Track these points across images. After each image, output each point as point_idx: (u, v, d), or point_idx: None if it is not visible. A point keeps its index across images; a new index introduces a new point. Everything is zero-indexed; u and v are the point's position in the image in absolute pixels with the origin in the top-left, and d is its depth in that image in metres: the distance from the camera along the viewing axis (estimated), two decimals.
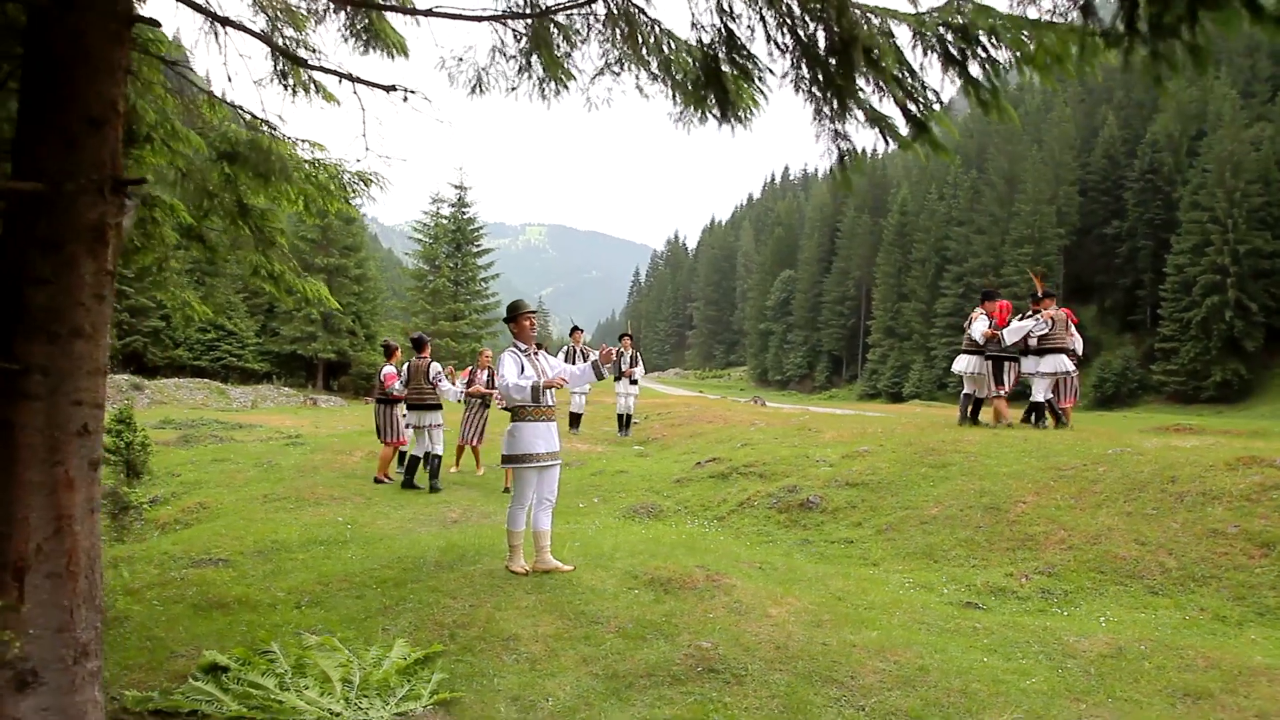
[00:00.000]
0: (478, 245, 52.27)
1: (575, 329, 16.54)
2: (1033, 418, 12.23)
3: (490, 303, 51.65)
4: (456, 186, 51.42)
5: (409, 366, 11.56)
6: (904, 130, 3.97)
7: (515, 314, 6.88)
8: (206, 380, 42.71)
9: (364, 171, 7.80)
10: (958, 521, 8.05)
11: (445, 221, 51.07)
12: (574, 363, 15.86)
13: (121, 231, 2.93)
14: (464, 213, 51.57)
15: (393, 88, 5.12)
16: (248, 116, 7.39)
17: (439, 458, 11.48)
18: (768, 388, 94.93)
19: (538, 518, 6.71)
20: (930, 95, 3.83)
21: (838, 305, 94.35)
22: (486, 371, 12.27)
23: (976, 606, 6.37)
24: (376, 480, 11.66)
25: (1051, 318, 12.01)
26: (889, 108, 3.95)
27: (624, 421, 16.29)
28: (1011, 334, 11.93)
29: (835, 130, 3.99)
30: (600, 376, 7.17)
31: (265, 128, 7.46)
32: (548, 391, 6.68)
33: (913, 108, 3.82)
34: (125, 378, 37.64)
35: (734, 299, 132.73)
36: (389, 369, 11.99)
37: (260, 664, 4.92)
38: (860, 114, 3.97)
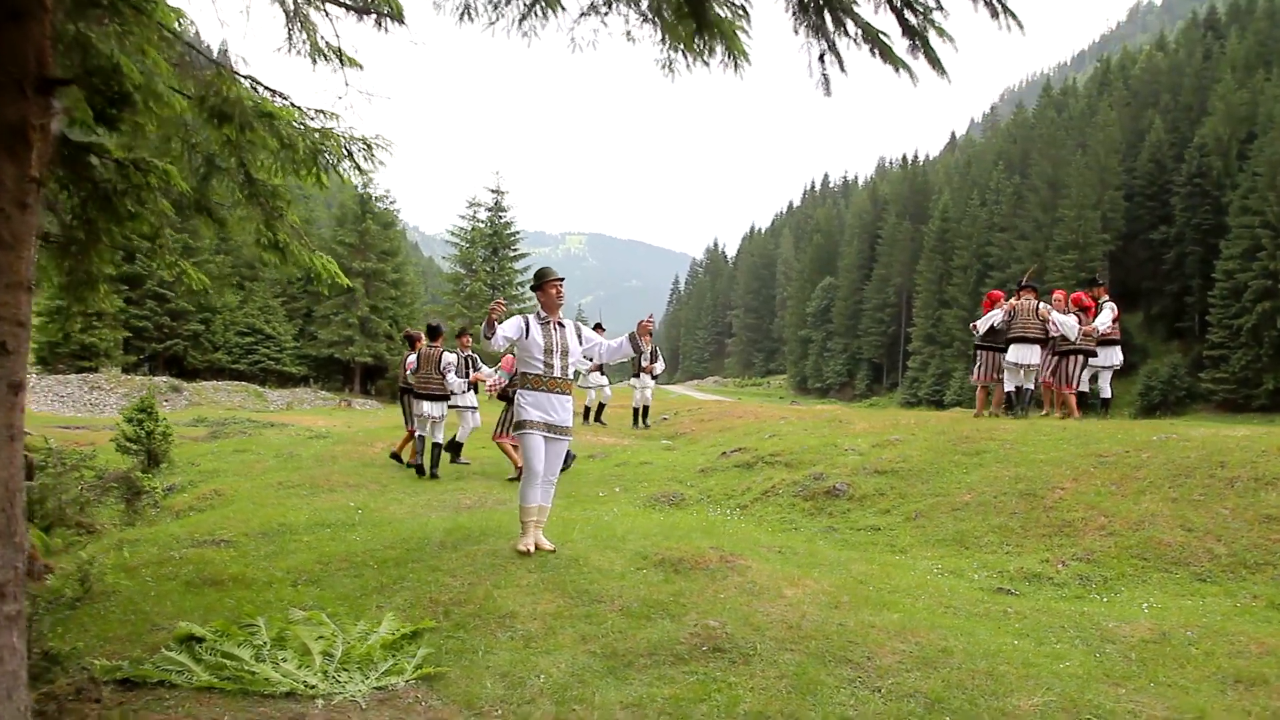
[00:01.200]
0: (514, 249, 52.26)
1: (598, 325, 16.26)
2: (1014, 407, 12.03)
3: (526, 306, 51.57)
4: (493, 191, 51.49)
5: (420, 354, 11.32)
6: (900, 48, 3.59)
7: (541, 281, 6.57)
8: (244, 383, 43.02)
9: (368, 138, 7.59)
10: (991, 508, 7.64)
11: (482, 225, 51.13)
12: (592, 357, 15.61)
13: (49, 136, 2.69)
14: (500, 217, 51.59)
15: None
16: (253, 86, 7.23)
17: (438, 446, 11.20)
18: (807, 395, 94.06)
19: (540, 495, 6.42)
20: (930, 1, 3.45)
21: (878, 312, 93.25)
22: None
23: (1009, 592, 5.97)
24: (392, 455, 11.49)
25: (1014, 308, 11.84)
26: (885, 21, 3.58)
27: (640, 415, 15.96)
28: (981, 324, 12.29)
29: (825, 48, 3.63)
30: (638, 350, 6.84)
31: (277, 97, 7.29)
32: (564, 364, 6.39)
33: (910, 17, 3.45)
34: (164, 379, 38.08)
35: (773, 307, 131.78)
36: (412, 358, 11.80)
37: (238, 635, 4.67)
38: (852, 26, 3.60)
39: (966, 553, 7.02)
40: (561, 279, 6.58)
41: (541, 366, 6.33)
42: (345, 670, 4.40)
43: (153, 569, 6.54)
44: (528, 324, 6.39)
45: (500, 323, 6.24)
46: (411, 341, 12.03)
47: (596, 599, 5.38)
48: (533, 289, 6.65)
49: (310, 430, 17.67)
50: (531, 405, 6.32)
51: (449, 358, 11.16)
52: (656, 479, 10.49)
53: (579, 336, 6.59)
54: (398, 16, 6.26)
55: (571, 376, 6.47)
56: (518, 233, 52.79)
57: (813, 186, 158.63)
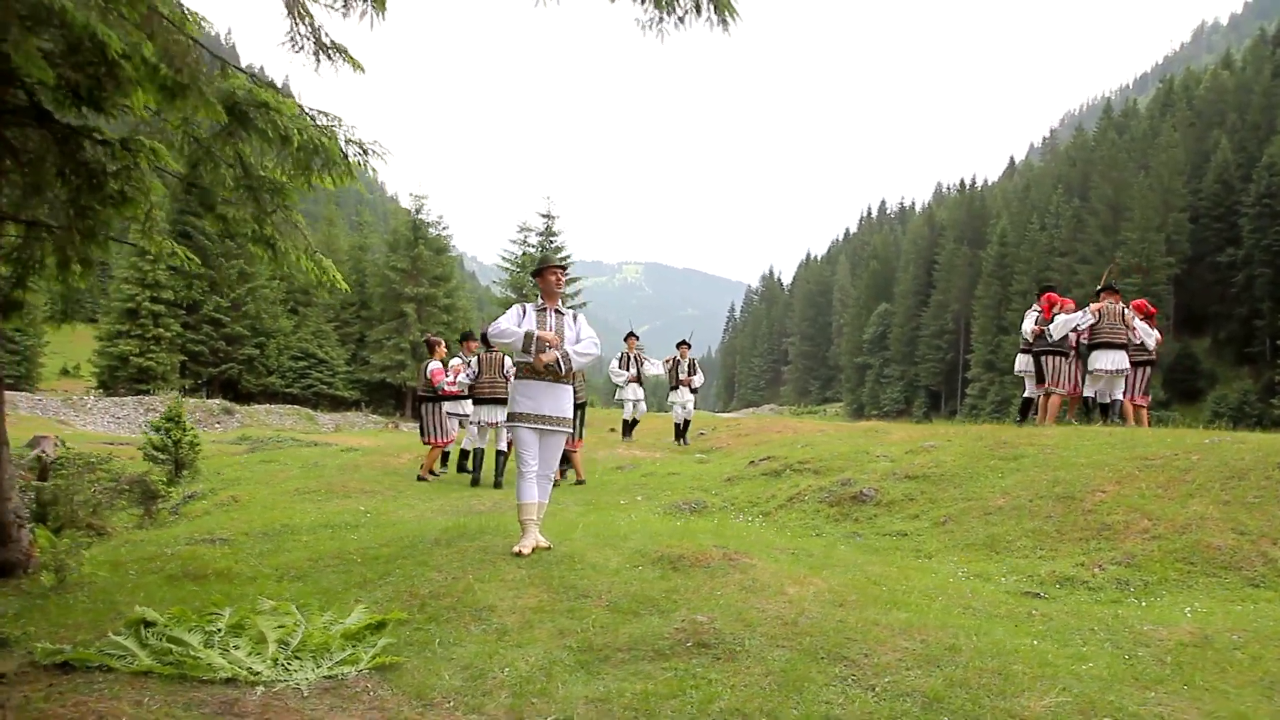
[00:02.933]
0: (565, 275, 52.27)
1: (630, 334, 15.93)
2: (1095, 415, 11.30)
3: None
4: (544, 215, 51.53)
5: (479, 360, 11.10)
6: None
7: (541, 268, 6.32)
8: (297, 406, 43.45)
9: (364, 141, 7.41)
10: (1025, 512, 7.13)
11: (532, 250, 51.26)
12: (627, 368, 15.27)
13: None
14: (551, 241, 51.68)
15: None
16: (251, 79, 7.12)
17: (502, 454, 10.92)
18: (864, 422, 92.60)
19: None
20: None
21: (935, 339, 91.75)
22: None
23: (1037, 595, 5.48)
24: (420, 478, 11.20)
25: (1100, 310, 11.06)
26: None
27: (681, 430, 15.56)
28: (1058, 328, 11.28)
29: None
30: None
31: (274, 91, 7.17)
32: (561, 357, 6.05)
33: None
34: (217, 402, 38.56)
35: (830, 334, 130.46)
36: (435, 365, 11.58)
37: (191, 621, 4.40)
38: None
39: (996, 557, 6.53)
40: (563, 267, 6.32)
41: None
42: (298, 658, 4.10)
43: (140, 564, 6.33)
44: (524, 312, 6.12)
45: (550, 350, 5.96)
46: (431, 348, 11.82)
47: (583, 594, 5.03)
48: (533, 275, 6.39)
49: (344, 446, 17.56)
50: (525, 396, 6.02)
51: (510, 362, 11.01)
52: (681, 488, 10.09)
53: (576, 327, 6.27)
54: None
55: (564, 368, 6.11)
56: (568, 257, 52.83)
57: (869, 213, 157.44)
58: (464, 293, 60.59)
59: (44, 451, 12.94)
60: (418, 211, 53.40)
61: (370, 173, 7.85)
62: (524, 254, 51.62)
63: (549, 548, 5.91)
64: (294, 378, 49.24)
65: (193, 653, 4.01)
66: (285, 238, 7.63)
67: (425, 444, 11.67)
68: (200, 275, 44.92)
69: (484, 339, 11.18)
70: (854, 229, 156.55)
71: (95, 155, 5.98)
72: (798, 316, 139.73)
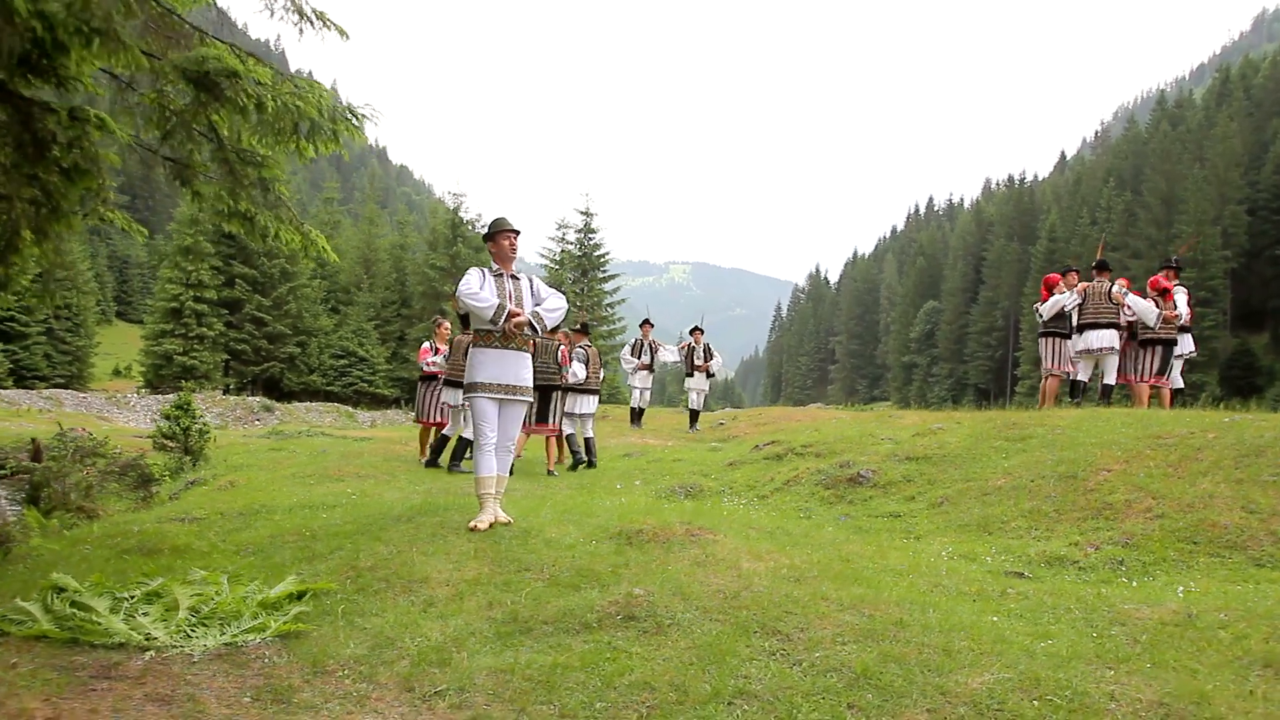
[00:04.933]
0: (604, 270, 52.09)
1: (645, 321, 15.67)
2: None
3: (616, 328, 51.18)
4: (583, 213, 51.41)
5: (452, 343, 10.93)
6: None
7: (494, 232, 6.00)
8: (337, 404, 43.71)
9: (353, 106, 7.25)
10: (1025, 492, 6.72)
11: (571, 247, 51.16)
12: (639, 356, 14.97)
13: None
14: (590, 238, 51.52)
15: None
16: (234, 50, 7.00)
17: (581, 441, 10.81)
18: None
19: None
20: None
21: (984, 336, 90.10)
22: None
23: (1021, 575, 5.10)
24: (428, 464, 11.02)
25: (1085, 290, 10.64)
26: None
27: (695, 417, 15.24)
28: (1047, 309, 11.15)
29: None
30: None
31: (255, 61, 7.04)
32: (533, 317, 5.78)
33: None
34: (257, 400, 38.88)
35: (877, 332, 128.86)
36: (425, 344, 11.53)
37: (105, 588, 4.22)
38: None
39: (989, 538, 6.14)
40: (516, 231, 5.99)
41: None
42: (204, 625, 3.92)
43: (100, 540, 6.19)
44: (484, 276, 5.84)
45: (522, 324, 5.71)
46: (436, 327, 11.72)
47: (526, 568, 4.77)
48: (485, 239, 6.09)
49: (359, 437, 17.45)
50: (484, 364, 5.75)
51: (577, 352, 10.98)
52: (681, 472, 9.79)
53: (533, 291, 5.98)
54: None
55: (545, 328, 5.84)
56: (607, 254, 52.61)
57: (916, 210, 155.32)
58: None
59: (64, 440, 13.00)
60: (457, 210, 53.60)
61: (360, 140, 7.66)
62: (563, 251, 51.54)
63: (509, 523, 5.67)
64: (335, 376, 49.66)
65: (95, 618, 3.84)
66: (263, 211, 7.49)
67: (419, 423, 11.61)
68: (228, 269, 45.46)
69: (464, 320, 10.97)
70: (901, 226, 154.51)
71: (44, 125, 5.85)
72: (845, 315, 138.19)
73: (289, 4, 7.45)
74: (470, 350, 5.84)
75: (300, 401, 43.08)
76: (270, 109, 6.67)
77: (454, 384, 10.66)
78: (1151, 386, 10.75)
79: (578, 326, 11.44)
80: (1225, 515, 5.60)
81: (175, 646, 3.64)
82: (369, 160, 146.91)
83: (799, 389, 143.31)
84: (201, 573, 4.74)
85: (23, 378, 48.49)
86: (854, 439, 9.35)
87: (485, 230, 6.09)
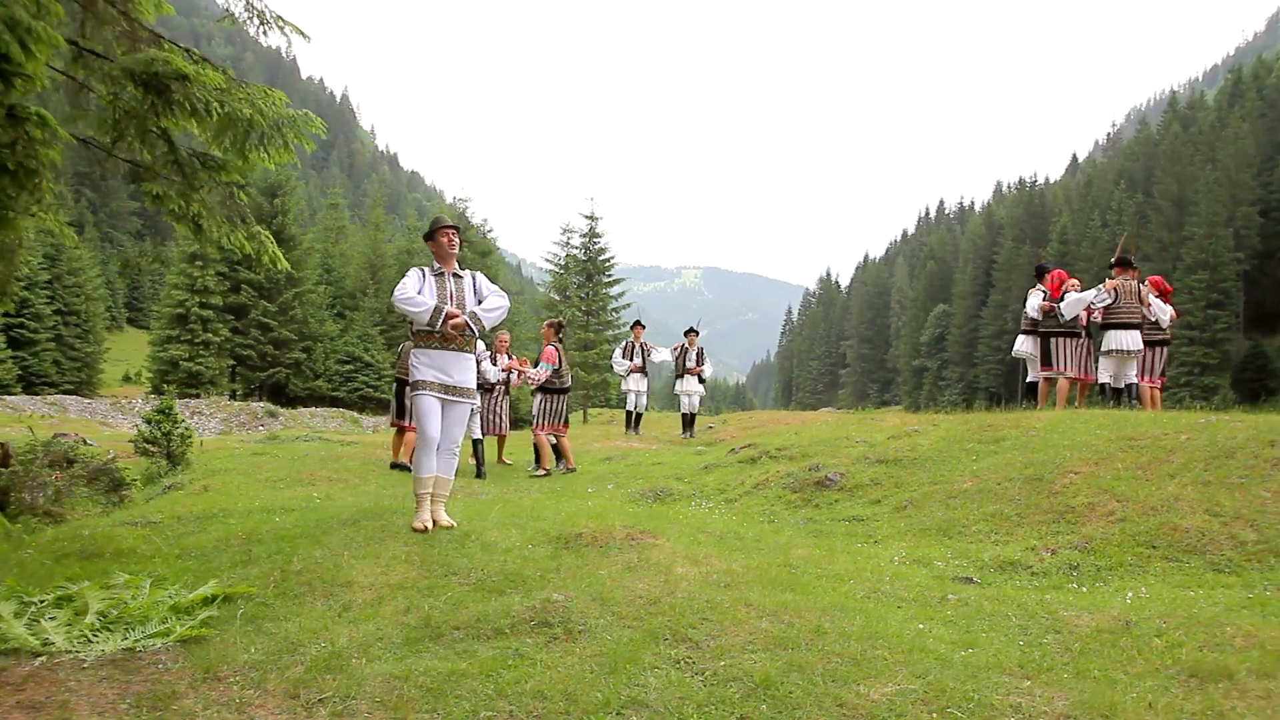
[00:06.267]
0: (608, 275, 51.93)
1: (637, 323, 15.54)
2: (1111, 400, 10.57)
3: (622, 333, 50.99)
4: (587, 217, 51.21)
5: (401, 350, 10.90)
6: None
7: (432, 230, 5.89)
8: (341, 409, 43.83)
9: (298, 114, 7.19)
10: (990, 495, 6.56)
11: (576, 252, 51.02)
12: (631, 358, 14.84)
13: None
14: (595, 243, 51.36)
15: None
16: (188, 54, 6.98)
17: (479, 442, 10.67)
18: None
19: (439, 464, 5.73)
20: None
21: (995, 339, 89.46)
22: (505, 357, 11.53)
23: (970, 581, 4.95)
24: (394, 466, 10.93)
25: (1116, 288, 10.33)
26: None
27: (688, 421, 15.10)
28: (1070, 307, 10.52)
29: None
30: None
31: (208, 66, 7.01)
32: (470, 318, 5.65)
33: None
34: (261, 405, 38.98)
35: (888, 336, 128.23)
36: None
37: (16, 592, 4.14)
38: None
39: (948, 542, 5.99)
40: (455, 228, 5.87)
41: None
42: (109, 630, 3.83)
43: (47, 545, 6.12)
44: (423, 276, 5.72)
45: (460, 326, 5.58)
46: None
47: (454, 572, 4.65)
48: (425, 238, 5.97)
49: (345, 441, 17.38)
50: (426, 365, 5.64)
51: (480, 346, 10.88)
52: (656, 476, 9.65)
53: (475, 289, 5.85)
54: None
55: (468, 334, 5.71)
56: (611, 258, 52.45)
57: (927, 213, 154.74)
58: (514, 297, 60.63)
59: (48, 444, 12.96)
60: (462, 214, 53.58)
61: (310, 147, 7.61)
62: (567, 256, 51.40)
63: (450, 527, 5.55)
64: (340, 381, 49.71)
65: None
66: (212, 215, 7.43)
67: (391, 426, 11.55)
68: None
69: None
70: (912, 230, 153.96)
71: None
72: (855, 319, 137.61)
73: (248, 8, 7.44)
74: (411, 352, 5.72)
75: (305, 407, 43.18)
76: (217, 113, 6.63)
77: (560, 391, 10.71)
78: (1151, 387, 10.57)
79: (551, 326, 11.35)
80: (1188, 519, 5.44)
81: (71, 652, 3.55)
82: (379, 166, 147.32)
83: (810, 393, 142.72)
84: (125, 576, 4.66)
85: (32, 384, 48.77)
86: (828, 442, 9.20)
87: (425, 232, 5.98)
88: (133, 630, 3.80)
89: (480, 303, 5.77)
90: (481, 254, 53.12)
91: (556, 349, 10.91)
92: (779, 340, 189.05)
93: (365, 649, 3.63)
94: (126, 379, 60.14)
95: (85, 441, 18.39)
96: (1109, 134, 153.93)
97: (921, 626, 3.78)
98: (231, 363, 46.81)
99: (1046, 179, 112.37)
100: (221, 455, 13.45)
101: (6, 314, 48.08)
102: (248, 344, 46.86)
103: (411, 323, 5.72)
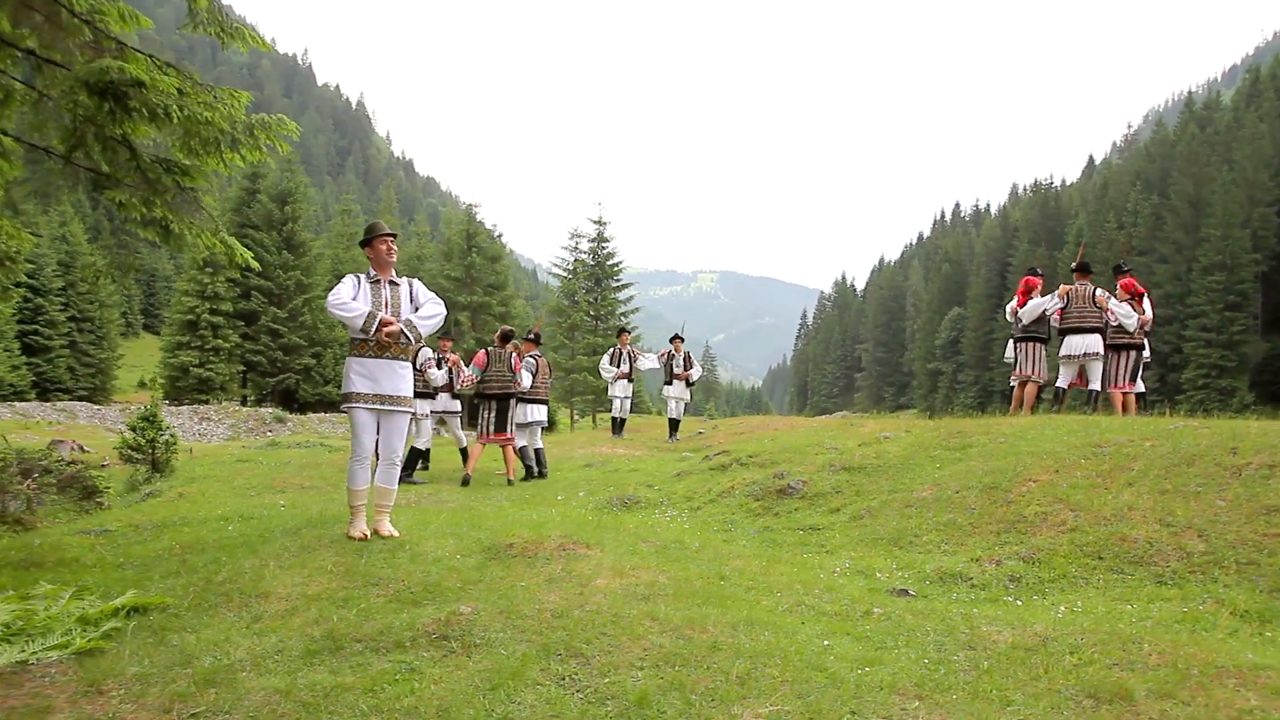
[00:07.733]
0: (617, 280, 51.89)
1: (622, 330, 15.53)
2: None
3: (631, 338, 50.90)
4: (596, 222, 51.19)
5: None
6: None
7: (370, 236, 5.78)
8: None
9: (266, 118, 7.21)
10: (946, 504, 6.46)
11: (584, 257, 51.01)
12: (618, 365, 14.78)
13: None
14: (603, 248, 51.34)
15: None
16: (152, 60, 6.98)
17: (463, 450, 10.69)
18: None
19: (380, 475, 5.67)
20: None
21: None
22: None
23: (904, 594, 4.85)
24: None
25: (1068, 293, 10.40)
26: None
27: (674, 427, 15.02)
28: (1028, 312, 10.71)
29: None
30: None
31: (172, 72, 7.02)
32: (405, 327, 5.56)
33: None
34: (270, 411, 39.13)
35: (903, 340, 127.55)
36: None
37: None
38: None
39: (897, 552, 5.89)
40: (393, 235, 5.78)
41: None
42: (8, 643, 3.77)
43: None
44: (358, 283, 5.65)
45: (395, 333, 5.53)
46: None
47: (376, 582, 4.59)
48: (361, 245, 5.89)
49: (333, 448, 17.38)
50: (360, 375, 5.56)
51: (427, 353, 10.84)
52: (629, 484, 9.57)
53: (412, 297, 5.78)
54: None
55: (403, 342, 5.60)
56: (620, 263, 52.41)
57: (943, 216, 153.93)
58: (519, 301, 60.72)
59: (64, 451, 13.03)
60: (472, 219, 53.67)
61: (284, 149, 7.60)
62: (576, 261, 51.41)
63: (389, 537, 5.50)
64: None
65: None
66: (181, 219, 7.44)
67: None
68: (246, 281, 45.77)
69: (505, 337, 11.12)
70: (927, 233, 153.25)
71: None
72: (871, 322, 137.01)
73: (210, 18, 7.44)
74: (349, 360, 5.64)
75: (315, 412, 43.30)
76: (177, 116, 6.65)
77: (419, 395, 10.59)
78: (1123, 393, 10.45)
79: (530, 336, 11.27)
80: (1139, 529, 5.33)
81: None
82: (395, 172, 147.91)
83: (825, 397, 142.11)
84: (47, 587, 4.63)
85: (46, 390, 49.14)
86: (799, 449, 9.11)
87: (361, 239, 5.91)
88: (32, 642, 3.77)
89: (417, 310, 5.71)
90: (491, 259, 53.17)
91: (488, 354, 10.81)
92: (794, 344, 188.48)
93: (260, 662, 3.58)
94: (141, 385, 60.47)
95: (82, 449, 18.51)
96: (1125, 135, 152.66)
97: (828, 643, 3.69)
98: (242, 369, 47.02)
99: (1063, 181, 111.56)
100: (206, 462, 13.50)
101: (21, 321, 48.53)
102: (258, 350, 47.04)
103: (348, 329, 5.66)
